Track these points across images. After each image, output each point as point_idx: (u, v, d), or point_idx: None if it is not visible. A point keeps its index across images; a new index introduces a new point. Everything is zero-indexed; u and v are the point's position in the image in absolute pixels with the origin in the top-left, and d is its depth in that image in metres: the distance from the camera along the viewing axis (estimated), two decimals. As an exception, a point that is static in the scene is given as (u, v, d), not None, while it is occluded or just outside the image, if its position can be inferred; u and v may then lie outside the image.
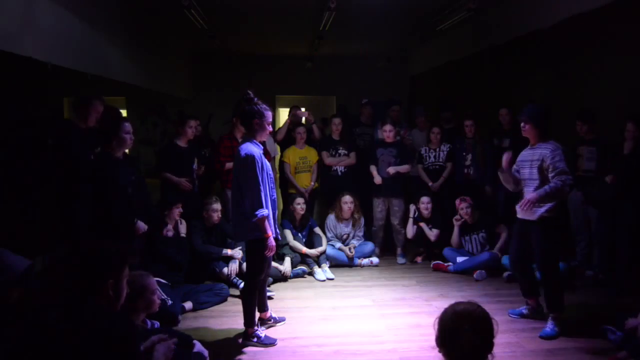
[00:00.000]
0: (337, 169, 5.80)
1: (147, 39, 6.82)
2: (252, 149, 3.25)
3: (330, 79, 9.78)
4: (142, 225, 3.61)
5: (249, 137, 3.36)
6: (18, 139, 5.15)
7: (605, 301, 4.18)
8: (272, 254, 3.39)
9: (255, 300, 3.48)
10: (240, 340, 3.49)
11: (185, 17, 5.68)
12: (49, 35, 4.05)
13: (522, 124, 3.62)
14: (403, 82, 9.92)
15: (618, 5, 4.40)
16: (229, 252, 4.64)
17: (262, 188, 3.20)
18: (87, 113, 3.80)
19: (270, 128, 3.44)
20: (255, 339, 3.42)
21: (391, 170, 5.42)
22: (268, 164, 3.39)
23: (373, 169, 5.57)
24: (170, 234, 4.42)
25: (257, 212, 3.18)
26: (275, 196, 3.49)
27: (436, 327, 1.78)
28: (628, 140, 4.24)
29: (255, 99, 3.34)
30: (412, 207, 5.52)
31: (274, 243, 3.34)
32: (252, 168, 3.18)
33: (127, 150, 3.74)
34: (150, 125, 9.30)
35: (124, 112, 8.21)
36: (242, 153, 3.22)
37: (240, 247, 4.70)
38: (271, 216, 3.34)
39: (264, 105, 3.35)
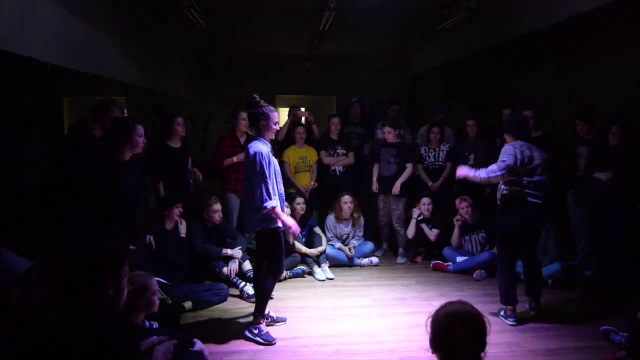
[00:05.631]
0: (336, 169, 5.80)
1: (147, 39, 6.83)
2: (260, 146, 3.44)
3: (330, 79, 9.79)
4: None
5: (257, 137, 3.54)
6: (18, 139, 5.15)
7: (606, 301, 4.18)
8: (294, 230, 3.62)
9: (271, 291, 3.65)
10: (246, 333, 3.51)
11: (185, 17, 5.68)
12: (49, 35, 4.05)
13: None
14: (403, 82, 9.93)
15: (618, 5, 4.40)
16: (229, 252, 4.64)
17: (270, 182, 3.38)
18: (106, 119, 3.59)
19: (277, 127, 3.61)
20: (256, 331, 3.48)
21: (396, 191, 5.41)
22: (276, 161, 3.55)
23: (375, 171, 5.60)
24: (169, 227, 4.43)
25: (265, 205, 3.36)
26: (283, 191, 3.62)
27: (429, 330, 1.78)
28: (612, 141, 4.30)
29: (261, 102, 3.52)
30: (417, 210, 5.51)
31: (290, 223, 3.57)
32: (260, 164, 3.37)
33: None
34: (150, 125, 9.30)
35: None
36: (251, 151, 3.42)
37: (240, 247, 4.70)
38: (279, 209, 3.48)
39: (269, 107, 3.53)
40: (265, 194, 3.36)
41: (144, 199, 3.71)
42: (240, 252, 4.66)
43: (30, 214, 4.41)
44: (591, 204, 4.52)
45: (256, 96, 3.53)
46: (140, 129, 3.32)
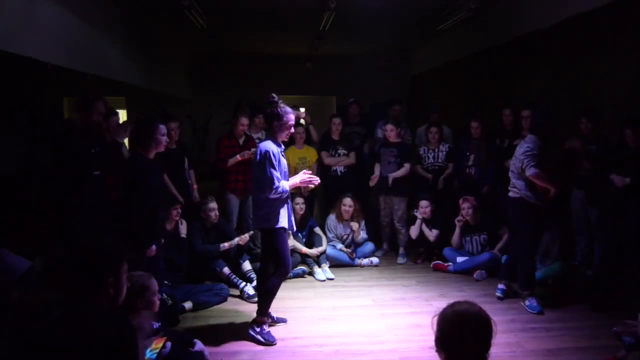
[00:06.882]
0: (336, 169, 5.79)
1: (147, 39, 6.83)
2: (271, 146, 3.47)
3: (330, 79, 9.78)
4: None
5: (270, 136, 3.58)
6: (18, 139, 5.15)
7: (605, 301, 4.17)
8: (314, 182, 3.61)
9: (276, 290, 3.63)
10: (249, 330, 3.52)
11: (185, 18, 5.68)
12: (49, 35, 4.05)
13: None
14: (403, 82, 9.93)
15: (618, 5, 4.40)
16: (226, 245, 4.64)
17: (279, 178, 3.42)
18: (89, 114, 3.76)
19: (291, 130, 3.61)
20: (258, 329, 3.49)
21: (390, 179, 5.44)
22: (285, 162, 3.59)
23: (376, 168, 5.60)
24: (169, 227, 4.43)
25: (275, 187, 3.37)
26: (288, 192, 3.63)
27: (436, 328, 1.76)
28: (629, 142, 4.22)
29: (279, 101, 3.50)
30: (418, 212, 5.51)
31: (302, 178, 3.57)
32: (269, 162, 3.40)
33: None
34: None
35: (123, 112, 8.22)
36: (262, 149, 3.46)
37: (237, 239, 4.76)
38: (285, 209, 3.51)
39: (286, 108, 3.51)
40: (275, 179, 3.37)
41: (164, 201, 3.72)
42: (236, 239, 4.70)
43: (30, 213, 4.42)
44: (603, 203, 4.49)
45: (274, 95, 3.52)
46: (163, 128, 3.43)
